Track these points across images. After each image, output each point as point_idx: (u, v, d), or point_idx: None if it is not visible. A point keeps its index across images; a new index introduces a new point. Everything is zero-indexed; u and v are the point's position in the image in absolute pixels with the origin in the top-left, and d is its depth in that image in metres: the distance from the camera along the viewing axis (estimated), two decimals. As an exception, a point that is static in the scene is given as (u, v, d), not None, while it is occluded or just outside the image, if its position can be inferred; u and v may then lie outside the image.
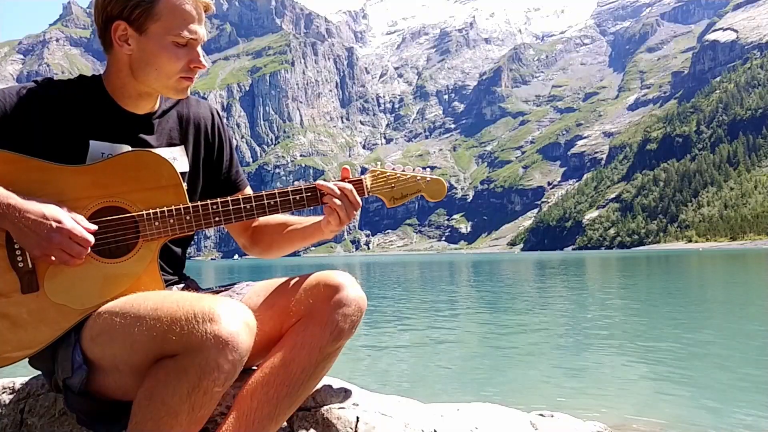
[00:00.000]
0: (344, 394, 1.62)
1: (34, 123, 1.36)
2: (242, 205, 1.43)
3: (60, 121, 1.38)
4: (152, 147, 1.47)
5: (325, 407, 1.56)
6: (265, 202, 1.45)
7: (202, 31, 1.40)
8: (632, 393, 4.60)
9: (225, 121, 1.58)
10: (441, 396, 4.61)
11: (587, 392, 4.65)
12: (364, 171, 1.49)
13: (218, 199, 1.42)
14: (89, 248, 1.29)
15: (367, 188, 1.51)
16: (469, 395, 4.51)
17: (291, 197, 1.46)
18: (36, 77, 1.37)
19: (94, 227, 1.30)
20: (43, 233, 1.24)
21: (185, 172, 1.52)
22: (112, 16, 1.36)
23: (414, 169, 1.56)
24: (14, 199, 1.25)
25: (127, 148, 1.43)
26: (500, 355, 6.62)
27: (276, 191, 1.46)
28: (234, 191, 1.63)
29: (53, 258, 1.26)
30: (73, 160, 1.36)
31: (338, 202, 1.45)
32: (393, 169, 1.55)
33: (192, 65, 1.41)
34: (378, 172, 1.53)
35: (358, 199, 1.47)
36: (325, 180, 1.39)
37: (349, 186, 1.48)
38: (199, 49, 1.42)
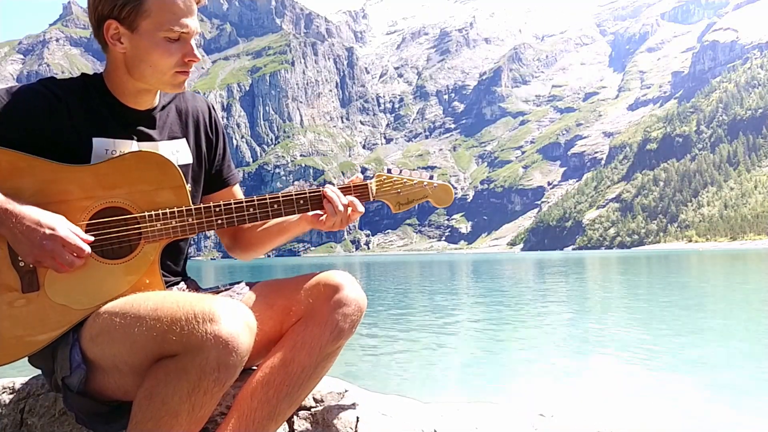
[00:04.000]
0: (344, 394, 1.61)
1: (38, 121, 1.35)
2: (245, 208, 1.43)
3: (63, 119, 1.37)
4: (155, 140, 1.48)
5: (325, 407, 1.56)
6: (268, 202, 1.44)
7: (194, 24, 1.39)
8: (632, 394, 4.60)
9: (224, 120, 1.31)
10: (441, 396, 4.62)
11: (587, 392, 4.65)
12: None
13: (221, 202, 1.42)
14: (83, 258, 1.28)
15: (373, 193, 1.51)
16: (469, 395, 4.54)
17: (294, 200, 1.45)
18: (36, 77, 1.23)
19: (91, 239, 1.30)
20: (35, 240, 1.24)
21: (189, 164, 1.53)
22: (103, 15, 1.36)
23: (420, 174, 1.55)
24: (12, 204, 1.25)
25: (131, 143, 1.44)
26: (500, 355, 6.63)
27: (279, 195, 1.45)
28: (224, 185, 1.66)
29: (46, 265, 1.26)
30: (78, 158, 1.36)
31: (336, 210, 1.45)
32: (399, 173, 1.54)
33: (186, 59, 1.40)
34: (384, 177, 1.52)
35: (361, 208, 1.48)
36: (326, 181, 1.58)
37: (355, 200, 1.48)
38: (193, 41, 1.41)
